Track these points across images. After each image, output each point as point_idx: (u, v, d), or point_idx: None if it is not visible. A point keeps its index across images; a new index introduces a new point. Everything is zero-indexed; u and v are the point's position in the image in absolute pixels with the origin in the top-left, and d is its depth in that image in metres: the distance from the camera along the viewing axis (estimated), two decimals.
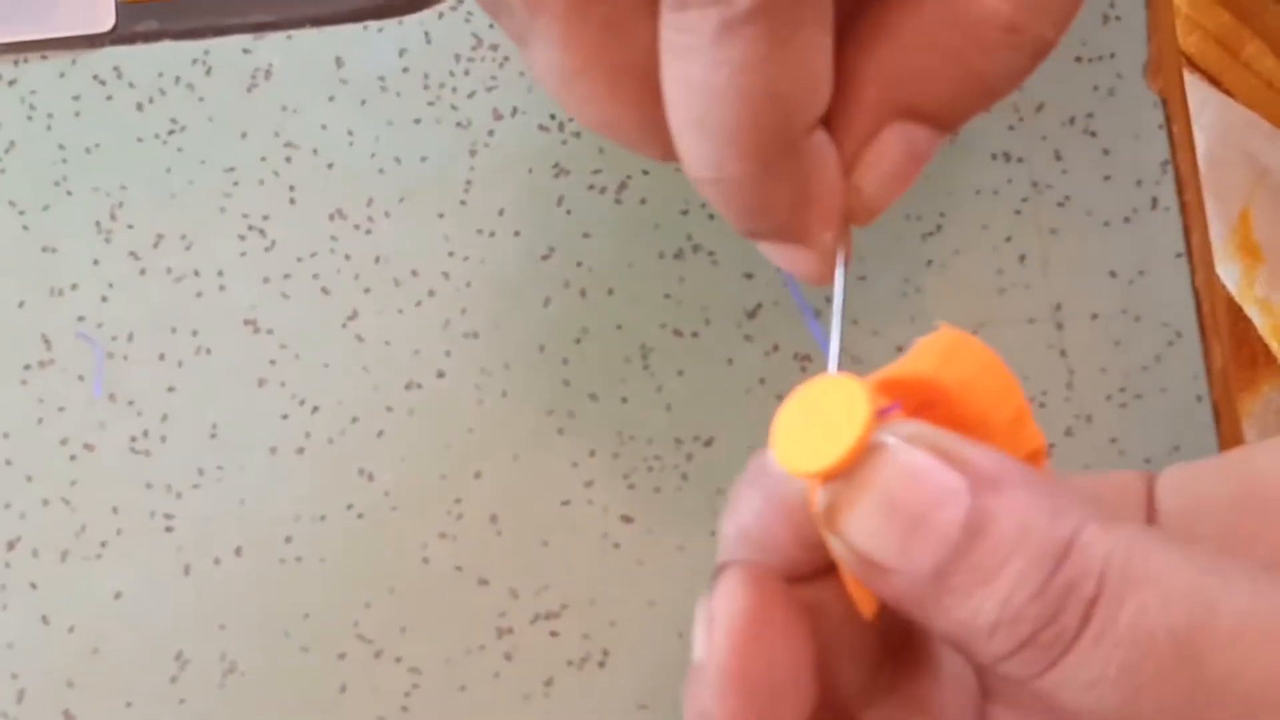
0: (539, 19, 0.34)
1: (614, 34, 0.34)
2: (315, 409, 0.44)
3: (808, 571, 0.31)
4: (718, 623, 0.29)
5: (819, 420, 0.29)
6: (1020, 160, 0.45)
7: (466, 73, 0.46)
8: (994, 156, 0.45)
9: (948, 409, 0.30)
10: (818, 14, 0.32)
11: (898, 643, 0.32)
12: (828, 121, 0.34)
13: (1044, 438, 0.31)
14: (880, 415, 0.29)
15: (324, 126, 0.46)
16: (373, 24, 0.46)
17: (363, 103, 0.46)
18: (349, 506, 0.43)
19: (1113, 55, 0.46)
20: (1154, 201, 0.45)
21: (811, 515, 0.29)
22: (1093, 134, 0.46)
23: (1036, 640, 0.27)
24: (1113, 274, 0.44)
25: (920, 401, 0.30)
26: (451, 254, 0.45)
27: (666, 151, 0.36)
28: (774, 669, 0.29)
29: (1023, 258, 0.45)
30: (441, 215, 0.45)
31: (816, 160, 0.34)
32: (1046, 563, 0.27)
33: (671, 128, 0.34)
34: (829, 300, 0.44)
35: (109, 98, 0.46)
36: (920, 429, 0.29)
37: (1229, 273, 0.61)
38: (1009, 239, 0.45)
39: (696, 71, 0.32)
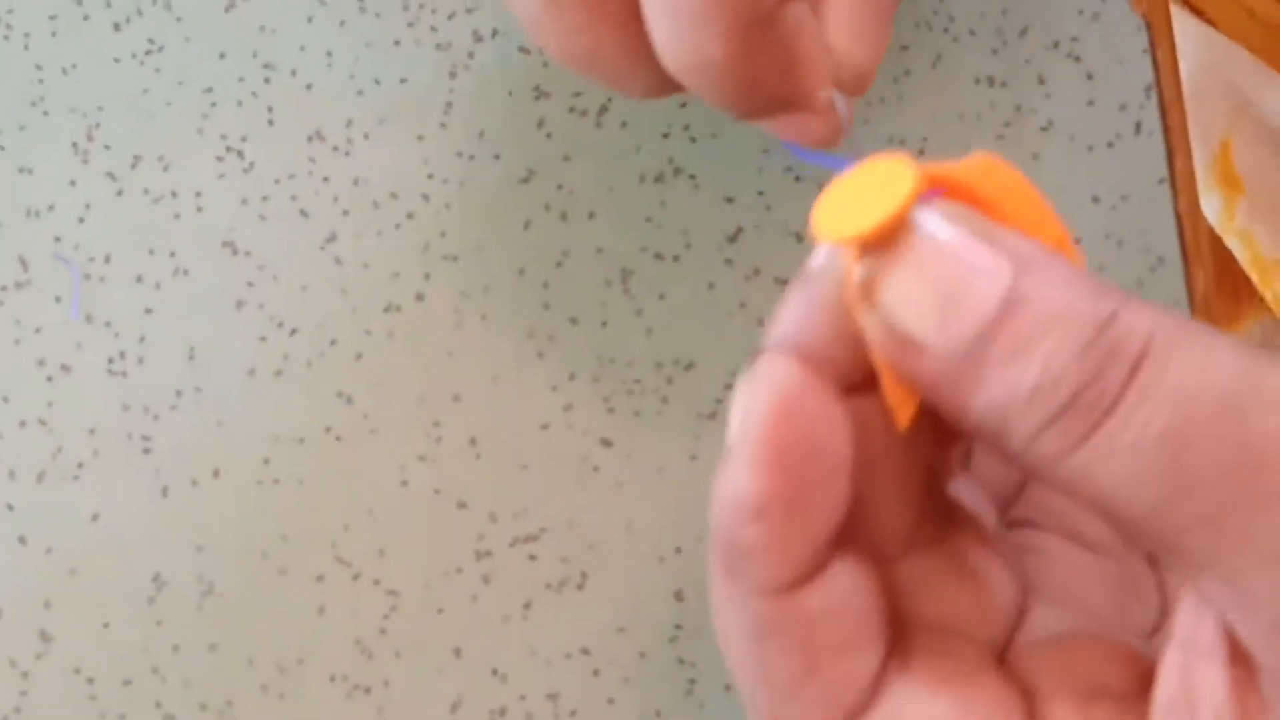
0: None
1: None
2: (293, 331, 0.44)
3: (848, 385, 0.30)
4: (758, 393, 0.28)
5: (863, 195, 0.28)
6: (1004, 85, 0.45)
7: None
8: (977, 81, 0.45)
9: (986, 215, 0.30)
10: None
11: (944, 508, 0.32)
12: None
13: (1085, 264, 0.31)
14: (924, 197, 0.29)
15: (302, 47, 0.45)
16: None
17: (341, 24, 0.46)
18: (327, 429, 0.43)
19: None
20: (1137, 126, 0.45)
21: (849, 297, 0.28)
22: (1077, 58, 0.45)
23: (1078, 402, 0.26)
24: (1095, 199, 0.44)
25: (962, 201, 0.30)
26: (431, 176, 0.45)
27: (649, 81, 0.35)
28: (811, 448, 0.28)
29: None
30: (421, 138, 0.45)
31: (794, 26, 0.34)
32: (1090, 327, 0.26)
33: (649, 23, 0.34)
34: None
35: (86, 18, 0.46)
36: (964, 211, 0.28)
37: (1210, 205, 0.61)
38: None
39: None
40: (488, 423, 0.43)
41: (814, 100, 0.34)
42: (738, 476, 0.28)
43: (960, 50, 0.45)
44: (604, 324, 0.44)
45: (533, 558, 0.42)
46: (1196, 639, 0.28)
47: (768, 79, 0.34)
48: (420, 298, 0.44)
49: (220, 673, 0.42)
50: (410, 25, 0.46)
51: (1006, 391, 0.27)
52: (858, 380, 0.30)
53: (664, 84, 0.36)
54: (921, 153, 0.44)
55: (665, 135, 0.45)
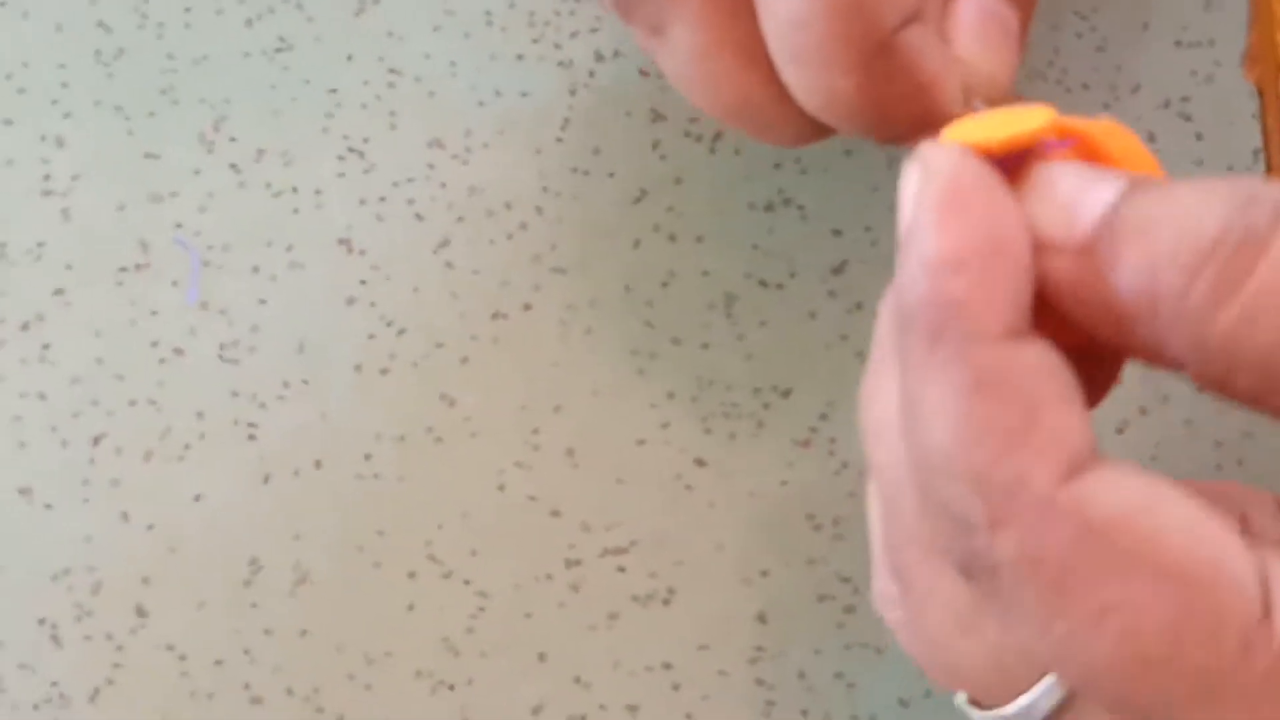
0: (676, 2, 0.36)
1: (742, 10, 0.36)
2: (402, 331, 0.44)
3: None
4: (931, 164, 0.28)
5: (995, 125, 0.29)
6: None
7: (572, 13, 0.47)
8: None
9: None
10: None
11: None
12: None
13: None
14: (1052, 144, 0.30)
15: (427, 56, 0.46)
16: None
17: (467, 35, 0.47)
18: (429, 429, 0.44)
19: (1212, 42, 0.46)
20: None
21: None
22: (1187, 118, 0.46)
23: (1226, 241, 0.26)
24: None
25: (1085, 156, 0.31)
26: (545, 189, 0.46)
27: (797, 126, 0.37)
28: (994, 206, 0.28)
29: None
30: (538, 151, 0.46)
31: (918, 48, 0.35)
32: (1222, 186, 0.27)
33: (780, 71, 0.35)
34: None
35: (219, 11, 0.47)
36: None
37: None
38: None
39: (781, 3, 0.34)
40: (586, 435, 0.44)
41: (950, 117, 0.35)
42: (931, 239, 0.28)
43: (1073, 103, 0.46)
44: (705, 346, 0.45)
45: (621, 570, 0.43)
46: None
47: (900, 103, 0.35)
48: (528, 307, 0.45)
49: (309, 659, 0.42)
50: (534, 41, 0.47)
51: (1148, 251, 0.27)
52: None
53: (810, 130, 0.37)
54: None
55: (777, 165, 0.46)
